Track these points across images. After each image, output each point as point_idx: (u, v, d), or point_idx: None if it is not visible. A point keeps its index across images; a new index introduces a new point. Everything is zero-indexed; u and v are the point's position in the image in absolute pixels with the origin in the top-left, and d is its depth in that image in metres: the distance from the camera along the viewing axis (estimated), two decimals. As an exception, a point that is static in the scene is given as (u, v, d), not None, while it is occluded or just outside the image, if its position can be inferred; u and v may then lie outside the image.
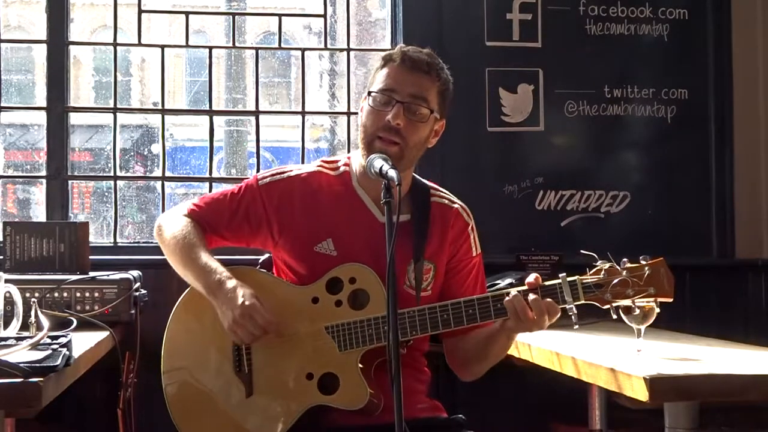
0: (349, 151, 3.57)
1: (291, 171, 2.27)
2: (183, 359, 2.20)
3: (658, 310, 2.00)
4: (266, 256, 2.40)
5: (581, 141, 3.58)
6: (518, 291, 2.01)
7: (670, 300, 1.96)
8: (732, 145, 3.61)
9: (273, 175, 2.26)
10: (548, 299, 1.98)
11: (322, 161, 2.31)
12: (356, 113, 3.61)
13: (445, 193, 2.33)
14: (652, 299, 1.96)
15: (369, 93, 2.14)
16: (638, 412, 2.23)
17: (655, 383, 1.73)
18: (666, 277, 1.95)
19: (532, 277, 2.03)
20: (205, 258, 2.15)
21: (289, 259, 2.23)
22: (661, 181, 3.60)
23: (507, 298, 2.01)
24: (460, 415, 2.27)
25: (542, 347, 2.37)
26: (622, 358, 2.02)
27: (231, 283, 2.09)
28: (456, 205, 2.31)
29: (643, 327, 2.06)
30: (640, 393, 1.76)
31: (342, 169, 2.27)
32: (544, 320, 1.98)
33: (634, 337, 2.08)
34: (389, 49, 3.52)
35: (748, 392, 1.80)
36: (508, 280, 3.03)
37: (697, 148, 3.62)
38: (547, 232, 3.49)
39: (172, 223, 2.23)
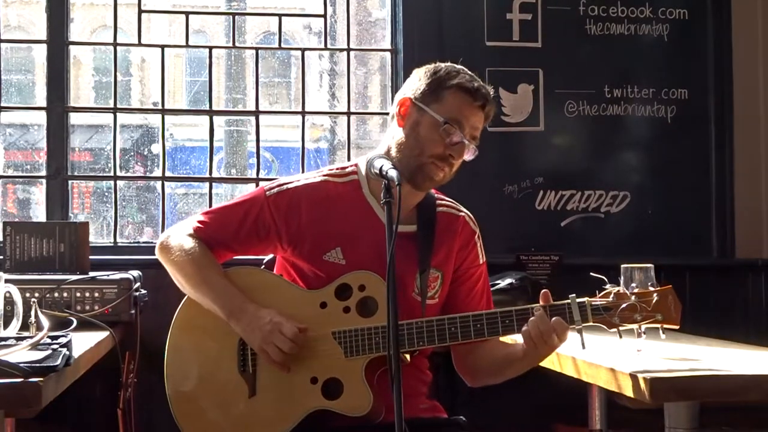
0: (348, 152, 3.58)
1: (298, 181, 2.26)
2: (187, 358, 2.20)
3: (664, 336, 2.00)
4: (270, 256, 2.39)
5: (581, 141, 3.58)
6: (528, 308, 2.03)
7: (677, 327, 1.98)
8: (732, 145, 3.62)
9: (280, 185, 2.25)
10: (556, 317, 1.99)
11: (328, 170, 2.30)
12: (356, 113, 3.63)
13: (450, 201, 2.34)
14: (658, 325, 1.98)
15: (444, 122, 2.12)
16: (638, 412, 2.22)
17: (655, 383, 1.73)
18: (674, 305, 1.98)
19: (542, 294, 2.06)
20: (221, 282, 2.16)
21: (298, 264, 2.23)
22: (661, 181, 3.60)
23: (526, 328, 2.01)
24: (461, 417, 2.28)
25: (542, 347, 2.36)
26: (623, 358, 2.02)
27: (252, 306, 2.11)
28: (462, 214, 2.32)
29: (643, 327, 2.06)
30: (640, 393, 1.76)
31: (350, 177, 2.26)
32: (554, 340, 1.99)
33: (634, 337, 2.08)
34: (389, 49, 3.57)
35: (748, 392, 1.80)
36: (508, 280, 3.04)
37: (697, 148, 3.62)
38: (547, 232, 3.49)
39: (179, 243, 2.22)
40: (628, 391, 1.81)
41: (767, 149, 3.65)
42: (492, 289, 2.94)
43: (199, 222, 2.25)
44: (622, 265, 2.05)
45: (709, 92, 3.63)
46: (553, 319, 1.99)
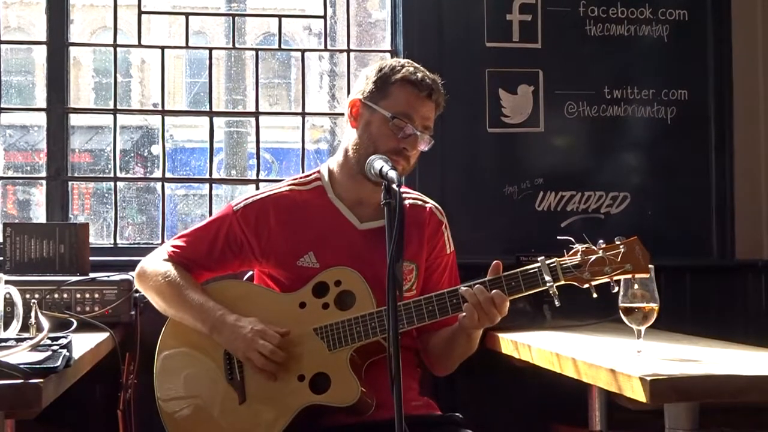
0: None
1: (263, 193, 2.33)
2: (175, 377, 2.23)
3: (636, 287, 2.02)
4: (250, 273, 2.44)
5: (581, 142, 3.58)
6: (468, 285, 2.05)
7: (647, 275, 2.01)
8: (732, 145, 3.61)
9: (246, 199, 2.32)
10: (496, 290, 2.00)
11: (292, 180, 2.36)
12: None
13: (416, 194, 2.41)
14: (629, 275, 2.01)
15: (393, 117, 2.16)
16: (638, 413, 2.23)
17: (655, 384, 1.73)
18: (641, 254, 2.02)
19: (491, 267, 2.10)
20: (199, 298, 2.20)
21: (274, 274, 2.27)
22: (661, 182, 3.59)
23: (462, 290, 2.06)
24: (457, 414, 2.29)
25: (542, 348, 2.37)
26: (623, 359, 2.02)
27: (232, 316, 2.13)
28: (429, 205, 2.38)
29: (643, 328, 2.06)
30: (640, 394, 1.76)
31: (314, 183, 2.32)
32: (494, 312, 2.02)
33: (634, 338, 2.08)
34: (389, 50, 3.57)
35: (748, 393, 1.80)
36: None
37: (697, 148, 3.62)
38: (547, 233, 3.48)
39: (155, 269, 2.28)
40: (628, 392, 1.81)
41: (767, 149, 3.65)
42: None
43: (173, 246, 2.32)
44: (600, 240, 2.07)
45: (709, 93, 3.62)
46: (493, 291, 2.03)
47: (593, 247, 2.05)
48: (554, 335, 2.59)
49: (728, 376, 1.82)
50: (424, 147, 2.22)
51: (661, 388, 1.73)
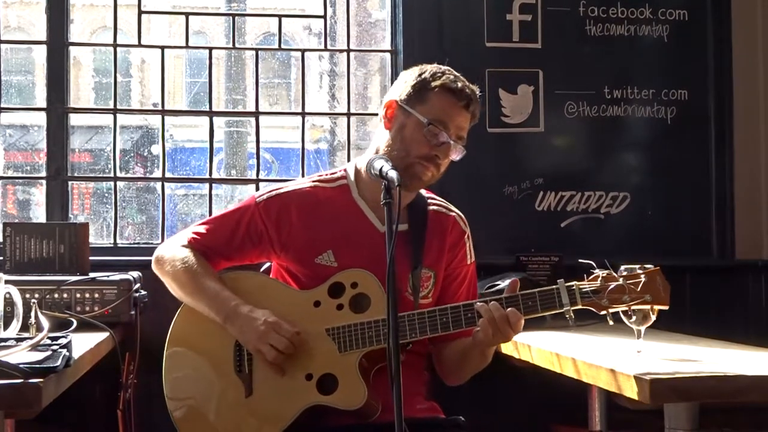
0: (348, 153, 3.58)
1: (288, 187, 2.31)
2: (183, 363, 2.23)
3: (654, 317, 2.01)
4: (267, 265, 2.42)
5: (581, 142, 3.58)
6: (484, 301, 2.05)
7: (666, 308, 2.00)
8: (732, 145, 3.61)
9: (269, 192, 2.30)
10: (511, 308, 2.00)
11: (317, 176, 2.34)
12: (356, 114, 3.63)
13: (441, 201, 2.38)
14: (648, 306, 1.99)
15: (428, 123, 2.14)
16: (638, 413, 2.23)
17: (655, 384, 1.73)
18: (662, 286, 1.99)
19: (508, 284, 2.09)
20: (215, 286, 2.18)
21: (291, 269, 2.26)
22: (661, 182, 3.59)
23: (478, 305, 2.05)
24: (460, 417, 2.29)
25: (542, 348, 2.37)
26: (622, 359, 2.02)
27: (246, 307, 2.13)
28: (453, 213, 2.35)
29: (643, 328, 2.06)
30: (640, 394, 1.76)
31: (340, 182, 2.30)
32: (508, 330, 2.01)
33: (634, 338, 2.08)
34: (389, 50, 3.57)
35: (748, 393, 1.80)
36: (508, 281, 3.04)
37: (697, 148, 3.62)
38: (547, 233, 3.49)
39: (173, 255, 2.26)
40: (628, 392, 1.81)
41: (767, 149, 3.65)
42: (492, 289, 2.96)
43: (194, 233, 2.30)
44: (622, 266, 2.06)
45: (709, 93, 3.62)
46: (509, 309, 2.02)
47: (614, 274, 2.02)
48: (554, 335, 2.59)
49: (728, 376, 1.82)
50: (455, 156, 2.19)
51: (661, 388, 1.73)
